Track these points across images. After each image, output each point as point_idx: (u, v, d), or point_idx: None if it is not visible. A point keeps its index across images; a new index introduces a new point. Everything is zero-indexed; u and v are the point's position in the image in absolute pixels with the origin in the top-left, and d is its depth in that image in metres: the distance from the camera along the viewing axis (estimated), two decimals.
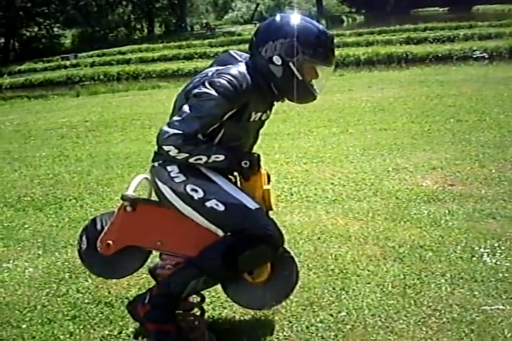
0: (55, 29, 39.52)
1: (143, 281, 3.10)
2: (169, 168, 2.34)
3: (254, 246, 2.24)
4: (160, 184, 2.36)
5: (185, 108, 2.25)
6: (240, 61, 2.38)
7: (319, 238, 3.64)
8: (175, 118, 2.25)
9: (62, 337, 2.70)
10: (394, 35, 22.22)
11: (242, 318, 2.73)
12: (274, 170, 5.31)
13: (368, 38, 22.16)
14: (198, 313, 2.55)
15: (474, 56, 15.84)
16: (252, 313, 2.74)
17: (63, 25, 41.26)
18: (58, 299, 3.09)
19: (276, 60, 2.28)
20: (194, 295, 2.54)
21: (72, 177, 5.74)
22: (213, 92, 2.21)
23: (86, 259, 2.56)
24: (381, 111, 7.83)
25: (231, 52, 2.46)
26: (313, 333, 2.55)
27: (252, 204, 2.28)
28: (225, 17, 53.98)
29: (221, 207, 2.27)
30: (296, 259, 2.46)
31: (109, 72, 21.28)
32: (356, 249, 3.42)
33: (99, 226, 2.50)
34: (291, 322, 2.64)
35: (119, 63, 24.47)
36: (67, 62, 26.95)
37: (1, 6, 35.80)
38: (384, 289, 2.89)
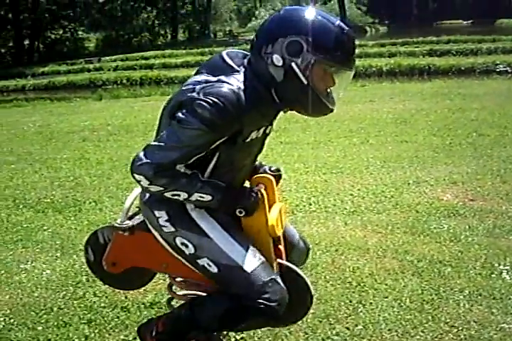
0: (80, 32, 39.96)
1: (159, 287, 3.11)
2: (157, 214, 2.04)
3: (251, 318, 1.98)
4: (150, 227, 2.10)
5: (165, 133, 1.91)
6: (234, 70, 1.95)
7: (337, 250, 3.62)
8: (152, 143, 1.92)
9: (77, 340, 2.71)
10: (417, 47, 22.12)
11: (258, 329, 2.71)
12: (293, 179, 5.32)
13: (391, 49, 22.09)
14: None
15: (497, 70, 15.72)
16: None
17: (88, 29, 41.79)
18: (75, 302, 3.11)
19: (277, 59, 1.87)
20: None
21: (92, 180, 5.79)
22: (197, 121, 1.83)
23: (96, 271, 2.46)
24: (403, 123, 7.79)
25: (224, 55, 2.02)
26: None
27: (249, 265, 1.95)
28: (249, 25, 54.20)
29: (214, 268, 1.98)
30: (310, 284, 2.17)
31: (132, 76, 21.42)
32: (374, 262, 3.40)
33: (101, 241, 2.37)
34: (307, 334, 2.63)
35: (142, 68, 24.62)
36: (91, 66, 27.20)
37: (27, 7, 36.35)
38: (401, 304, 2.87)
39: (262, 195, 2.02)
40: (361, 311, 2.81)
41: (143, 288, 3.08)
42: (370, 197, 4.69)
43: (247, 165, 2.12)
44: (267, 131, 2.09)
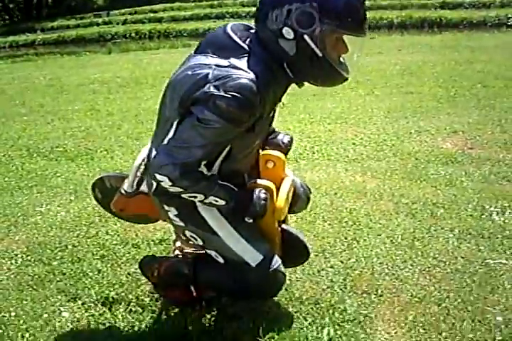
0: None
1: (168, 226, 3.29)
2: (166, 208, 2.11)
3: (247, 296, 2.25)
4: (162, 214, 2.21)
5: (185, 132, 1.84)
6: (242, 48, 1.83)
7: (336, 193, 3.79)
8: (173, 143, 1.85)
9: (90, 273, 2.92)
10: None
11: None
12: (298, 129, 5.45)
13: (403, 1, 21.71)
14: None
15: (509, 23, 15.50)
16: None
17: None
18: (88, 240, 3.32)
19: (287, 32, 1.76)
20: None
21: (103, 130, 5.95)
22: (221, 120, 1.78)
23: (106, 207, 2.59)
24: (409, 74, 7.84)
25: (228, 31, 1.88)
26: (323, 276, 2.73)
27: (254, 258, 2.08)
28: None
29: (221, 260, 2.13)
30: (308, 245, 2.44)
31: (140, 30, 21.32)
32: (371, 204, 3.57)
33: (108, 185, 2.46)
34: (303, 266, 2.80)
35: (151, 21, 24.42)
36: (100, 20, 26.98)
37: None
38: (393, 241, 3.05)
39: (271, 195, 2.10)
40: (355, 247, 3.00)
41: (152, 227, 3.31)
42: (371, 146, 4.82)
43: (253, 152, 2.13)
44: (276, 108, 2.05)
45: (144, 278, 2.67)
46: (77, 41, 20.90)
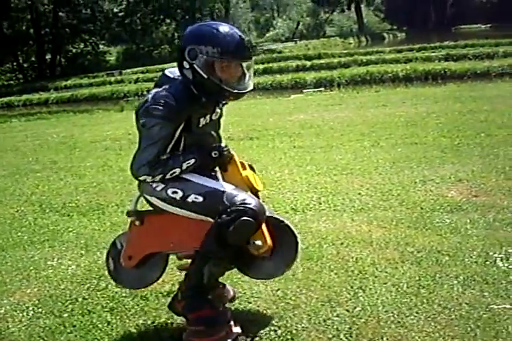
0: (101, 46, 40.69)
1: (176, 278, 3.35)
2: (154, 184, 2.58)
3: (236, 220, 2.44)
4: (148, 197, 2.65)
5: (140, 139, 2.53)
6: (174, 80, 2.60)
7: (342, 243, 3.84)
8: (137, 151, 2.54)
9: (100, 325, 2.97)
10: (433, 52, 22.22)
11: (264, 311, 2.95)
12: (305, 180, 5.55)
13: (407, 55, 22.24)
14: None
15: None
16: (274, 307, 2.97)
17: (108, 42, 42.47)
18: (98, 293, 3.38)
19: (185, 64, 2.49)
20: None
21: (114, 185, 6.08)
22: (155, 119, 2.46)
23: (117, 278, 2.89)
24: (413, 125, 7.98)
25: (166, 72, 2.71)
26: (329, 326, 2.76)
27: (224, 187, 2.54)
28: (267, 35, 54.62)
29: (200, 199, 2.52)
30: (292, 226, 2.73)
31: (152, 88, 21.84)
32: (377, 253, 3.61)
33: (119, 246, 2.84)
34: (309, 316, 2.86)
35: None
36: (112, 78, 27.73)
37: (47, 22, 37.11)
38: (399, 289, 3.08)
39: (230, 152, 2.63)
40: (361, 295, 3.04)
41: (161, 280, 3.35)
42: (377, 196, 4.89)
43: (211, 143, 2.67)
44: (213, 117, 2.69)
45: (151, 329, 2.73)
46: (90, 99, 21.42)
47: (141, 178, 2.54)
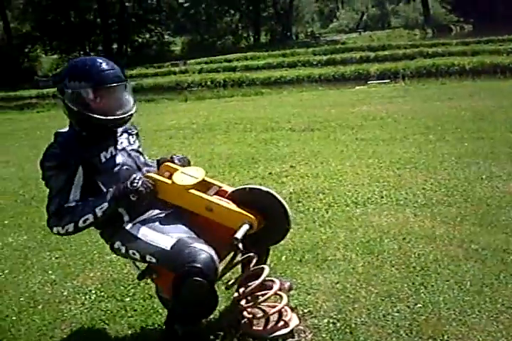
0: (166, 36, 41.32)
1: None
2: (115, 245, 2.55)
3: (184, 284, 2.31)
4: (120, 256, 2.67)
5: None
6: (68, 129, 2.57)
7: (405, 238, 3.78)
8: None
9: (160, 310, 3.02)
10: (501, 45, 21.50)
11: (323, 304, 2.94)
12: (367, 173, 5.48)
13: (475, 48, 21.58)
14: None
15: None
16: (333, 300, 2.96)
17: (173, 33, 43.09)
18: None
19: (60, 101, 2.49)
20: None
21: None
22: (46, 171, 2.44)
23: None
24: (480, 120, 7.75)
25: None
26: (388, 321, 2.73)
27: (168, 243, 2.40)
28: (330, 26, 54.14)
29: (154, 260, 2.45)
30: (275, 194, 2.59)
31: (215, 78, 22.04)
32: (440, 250, 3.54)
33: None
34: (369, 310, 2.84)
35: (226, 70, 25.24)
36: (177, 69, 28.12)
37: (114, 12, 37.91)
38: (462, 287, 3.02)
39: (148, 176, 2.50)
40: (422, 292, 2.99)
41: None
42: (442, 191, 4.79)
43: (135, 171, 2.58)
44: (120, 148, 2.59)
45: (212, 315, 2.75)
46: (156, 89, 21.76)
47: (53, 231, 2.45)
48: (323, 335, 2.66)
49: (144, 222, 2.54)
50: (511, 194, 4.55)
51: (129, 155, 2.63)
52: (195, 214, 2.53)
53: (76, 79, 2.43)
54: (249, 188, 2.63)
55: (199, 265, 2.28)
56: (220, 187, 2.65)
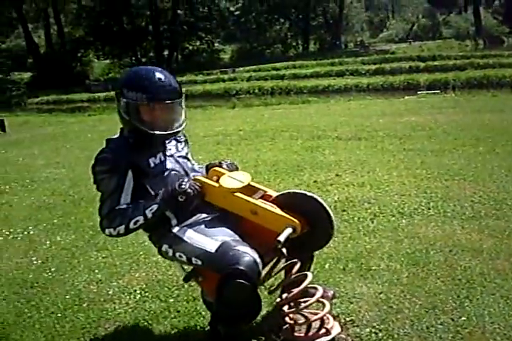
0: (216, 44, 41.75)
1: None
2: (163, 248, 2.61)
3: (226, 285, 2.35)
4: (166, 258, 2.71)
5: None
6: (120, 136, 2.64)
7: (451, 250, 3.72)
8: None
9: (203, 312, 3.05)
10: None
11: (366, 313, 2.93)
12: (414, 184, 5.42)
13: None
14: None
15: None
16: (376, 310, 2.94)
17: (223, 40, 43.52)
18: None
19: (119, 106, 2.55)
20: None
21: None
22: (97, 175, 2.52)
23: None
24: None
25: None
26: (432, 333, 2.70)
27: (213, 245, 2.43)
28: (380, 35, 53.75)
29: (199, 262, 2.49)
30: (319, 199, 2.58)
31: (263, 86, 22.18)
32: (486, 263, 3.47)
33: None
34: (412, 322, 2.81)
35: (274, 78, 25.36)
36: (226, 76, 28.39)
37: (166, 19, 38.52)
38: (508, 301, 2.95)
39: (196, 179, 2.54)
40: (467, 305, 2.94)
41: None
42: (490, 204, 4.69)
43: (183, 176, 2.63)
44: (169, 154, 2.66)
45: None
46: (204, 95, 22.02)
47: (105, 233, 2.54)
48: None
49: (190, 226, 2.58)
50: None
51: (177, 161, 2.69)
52: (241, 218, 2.56)
53: (133, 90, 2.49)
54: (294, 193, 2.67)
55: (242, 267, 2.31)
56: (265, 191, 2.67)
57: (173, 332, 2.91)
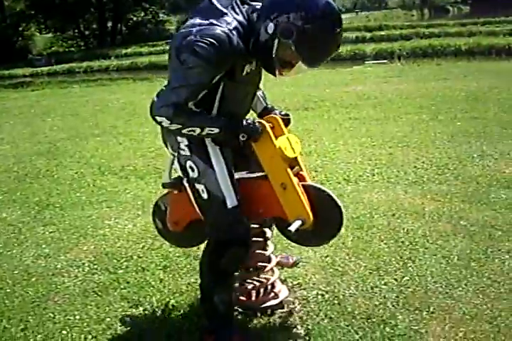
0: (161, 15, 40.88)
1: None
2: (179, 139, 2.31)
3: (227, 251, 2.34)
4: (171, 151, 2.42)
5: (173, 76, 2.17)
6: (223, 12, 2.16)
7: (394, 214, 3.83)
8: (164, 87, 2.17)
9: (153, 282, 3.09)
10: (498, 27, 21.43)
11: (313, 276, 3.00)
12: (359, 152, 5.52)
13: (471, 29, 21.50)
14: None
15: None
16: (322, 273, 3.02)
17: (168, 11, 42.66)
18: (152, 252, 3.50)
19: (270, 28, 2.08)
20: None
21: None
22: (197, 60, 2.06)
23: (166, 236, 2.82)
24: (474, 100, 7.77)
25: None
26: (376, 293, 2.79)
27: (231, 201, 2.29)
28: None
29: (205, 195, 2.30)
30: (334, 195, 2.44)
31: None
32: (428, 226, 3.59)
33: (163, 208, 2.71)
34: (357, 283, 2.89)
35: None
36: None
37: None
38: (449, 261, 3.07)
39: (262, 124, 2.30)
40: (410, 266, 3.04)
41: None
42: (433, 169, 4.83)
43: (248, 97, 2.43)
44: (252, 68, 2.30)
45: None
46: (150, 68, 21.59)
47: (158, 119, 2.16)
48: (312, 306, 2.72)
49: (224, 150, 2.35)
50: (501, 173, 4.60)
51: (258, 75, 2.41)
52: (263, 180, 2.45)
53: (304, 47, 2.09)
54: (325, 194, 2.46)
55: (241, 235, 2.33)
56: (300, 169, 2.57)
57: (122, 303, 2.92)
